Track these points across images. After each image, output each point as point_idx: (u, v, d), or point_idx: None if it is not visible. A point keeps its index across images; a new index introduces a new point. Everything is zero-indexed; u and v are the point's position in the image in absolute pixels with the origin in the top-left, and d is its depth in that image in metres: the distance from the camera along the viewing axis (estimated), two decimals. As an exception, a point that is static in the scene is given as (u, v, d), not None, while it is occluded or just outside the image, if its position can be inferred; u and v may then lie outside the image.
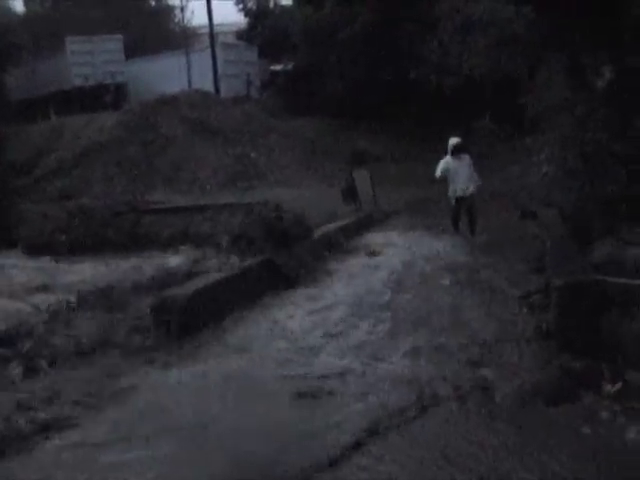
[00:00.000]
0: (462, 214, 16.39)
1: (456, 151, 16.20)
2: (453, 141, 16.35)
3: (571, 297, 7.15)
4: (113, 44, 38.50)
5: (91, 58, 37.79)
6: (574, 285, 7.26)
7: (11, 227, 25.45)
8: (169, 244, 21.77)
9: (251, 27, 40.81)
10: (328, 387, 7.25)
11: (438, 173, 16.27)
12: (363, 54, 31.09)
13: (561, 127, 13.37)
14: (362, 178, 20.95)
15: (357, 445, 5.92)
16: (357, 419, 6.41)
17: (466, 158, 16.24)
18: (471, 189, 16.12)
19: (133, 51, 39.91)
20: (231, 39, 44.03)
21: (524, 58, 16.57)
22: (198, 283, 10.26)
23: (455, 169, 16.11)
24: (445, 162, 16.23)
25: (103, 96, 37.29)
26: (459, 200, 16.20)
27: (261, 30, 39.09)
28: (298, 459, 5.74)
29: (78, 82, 37.49)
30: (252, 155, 29.69)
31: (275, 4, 40.96)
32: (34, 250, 23.59)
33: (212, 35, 37.36)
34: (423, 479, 5.42)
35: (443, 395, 6.80)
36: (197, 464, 5.85)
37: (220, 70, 36.46)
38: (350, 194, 20.30)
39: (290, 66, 37.10)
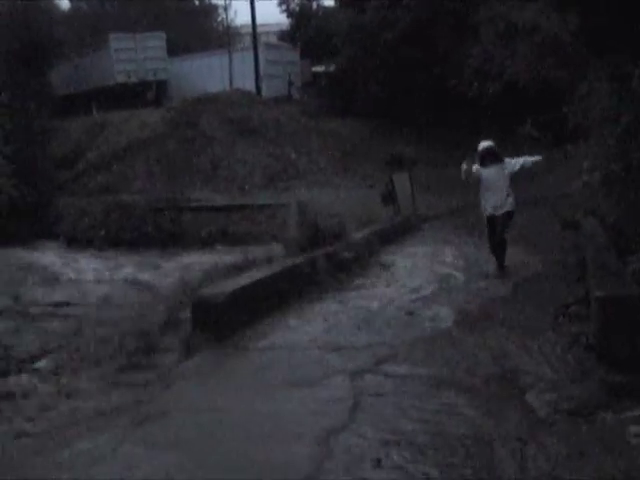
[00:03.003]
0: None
1: (486, 159, 13.01)
2: (482, 146, 13.20)
3: (613, 309, 7.10)
4: (156, 41, 38.82)
5: (134, 55, 38.13)
6: (616, 297, 7.21)
7: (52, 221, 25.88)
8: (207, 242, 22.01)
9: (294, 28, 40.99)
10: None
11: (468, 167, 13.10)
12: (403, 58, 31.09)
13: (605, 136, 13.27)
14: (402, 182, 20.97)
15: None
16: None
17: (501, 167, 12.91)
18: (507, 207, 12.88)
19: (176, 49, 40.23)
20: (273, 39, 44.25)
21: (568, 65, 16.42)
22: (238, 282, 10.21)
23: (486, 181, 12.98)
24: (479, 172, 13.03)
25: (145, 93, 37.61)
26: (491, 220, 13.01)
27: (303, 31, 39.21)
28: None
29: (121, 78, 37.88)
30: (291, 156, 29.81)
31: (318, 6, 41.10)
32: (74, 244, 24.08)
33: (255, 35, 37.54)
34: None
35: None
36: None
37: (262, 70, 36.60)
38: (389, 198, 20.34)
39: (332, 68, 37.18)
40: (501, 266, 13.01)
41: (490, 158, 12.98)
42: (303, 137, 31.46)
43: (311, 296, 11.39)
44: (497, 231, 12.87)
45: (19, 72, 29.83)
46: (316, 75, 39.59)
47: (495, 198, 12.87)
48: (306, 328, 9.70)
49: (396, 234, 17.75)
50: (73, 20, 47.43)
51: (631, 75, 12.28)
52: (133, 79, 37.94)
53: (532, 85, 21.31)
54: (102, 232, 24.27)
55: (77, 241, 24.20)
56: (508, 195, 12.91)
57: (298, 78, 38.95)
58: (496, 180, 12.87)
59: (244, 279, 10.38)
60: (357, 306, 10.79)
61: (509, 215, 12.99)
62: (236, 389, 7.56)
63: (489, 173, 12.88)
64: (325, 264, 12.36)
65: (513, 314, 9.84)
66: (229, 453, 5.91)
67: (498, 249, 13.03)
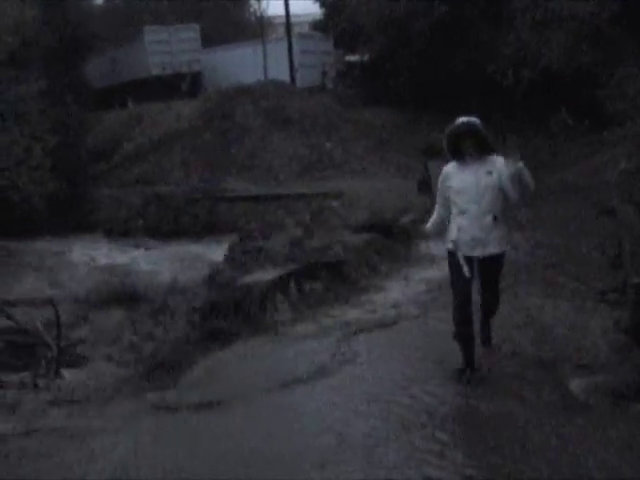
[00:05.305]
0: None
1: (463, 145, 7.08)
2: (455, 125, 7.16)
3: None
4: (190, 33, 39.10)
5: (168, 47, 38.40)
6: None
7: (89, 212, 26.20)
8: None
9: (327, 18, 40.89)
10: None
11: (429, 226, 7.76)
12: (437, 46, 30.91)
13: (642, 121, 13.22)
14: (437, 170, 20.90)
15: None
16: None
17: (487, 167, 7.00)
18: (493, 245, 7.02)
19: (209, 40, 40.39)
20: (307, 29, 44.25)
21: (604, 52, 16.32)
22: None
23: (460, 194, 7.10)
24: (442, 177, 7.41)
25: (180, 85, 37.83)
26: (468, 262, 6.98)
27: (337, 21, 39.13)
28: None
29: (156, 71, 38.14)
30: (326, 145, 29.83)
31: (351, -5, 40.96)
32: (113, 234, 24.38)
33: (289, 25, 37.57)
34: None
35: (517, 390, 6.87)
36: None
37: (296, 60, 36.62)
38: (425, 186, 20.32)
39: (366, 57, 37.07)
40: (470, 361, 7.12)
41: (471, 144, 7.04)
42: (338, 127, 31.44)
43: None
44: (483, 285, 7.25)
45: (56, 65, 30.11)
46: (350, 64, 39.48)
47: (474, 226, 7.00)
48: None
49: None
50: (108, 14, 47.72)
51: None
52: (168, 71, 38.18)
53: (567, 71, 21.21)
54: (140, 223, 24.55)
55: (115, 232, 24.49)
56: (496, 220, 7.01)
57: (332, 68, 38.88)
58: (478, 191, 6.99)
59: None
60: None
61: (496, 261, 7.17)
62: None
63: (463, 177, 7.10)
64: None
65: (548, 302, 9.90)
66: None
67: (467, 328, 7.05)
